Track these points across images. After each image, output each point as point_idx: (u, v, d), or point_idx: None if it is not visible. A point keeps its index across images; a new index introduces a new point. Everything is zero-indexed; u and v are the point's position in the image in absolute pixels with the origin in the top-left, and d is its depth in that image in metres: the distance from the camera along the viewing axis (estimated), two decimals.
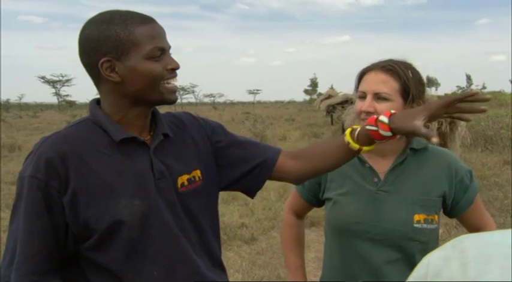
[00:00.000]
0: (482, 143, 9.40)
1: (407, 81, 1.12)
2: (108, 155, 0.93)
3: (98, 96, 1.01)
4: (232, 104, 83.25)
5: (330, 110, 16.39)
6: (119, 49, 0.90)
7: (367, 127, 0.98)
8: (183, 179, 1.00)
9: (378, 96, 1.12)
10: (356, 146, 1.01)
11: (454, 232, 4.49)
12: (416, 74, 1.15)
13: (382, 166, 1.21)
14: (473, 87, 30.74)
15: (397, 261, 1.17)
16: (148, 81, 0.93)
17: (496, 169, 7.38)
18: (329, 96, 18.25)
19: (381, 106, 1.11)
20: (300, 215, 1.43)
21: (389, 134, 0.95)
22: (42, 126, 19.25)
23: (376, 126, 0.96)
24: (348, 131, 1.02)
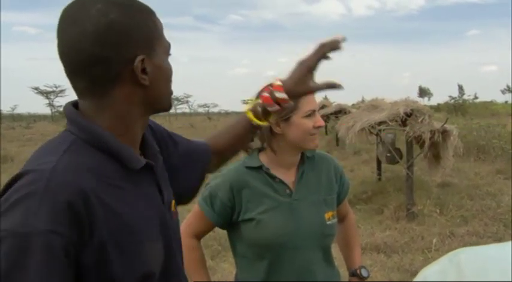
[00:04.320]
0: (475, 152, 9.47)
1: None
2: (121, 187, 0.72)
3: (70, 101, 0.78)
4: (227, 114, 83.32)
5: (324, 119, 16.38)
6: (149, 44, 0.73)
7: (270, 108, 0.99)
8: (173, 206, 0.87)
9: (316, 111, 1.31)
10: (264, 122, 1.03)
11: (448, 241, 4.50)
12: None
13: (288, 177, 1.35)
14: (465, 97, 31.08)
15: (319, 258, 1.34)
16: (168, 83, 0.79)
17: (488, 178, 7.43)
18: (323, 106, 18.30)
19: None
20: (200, 237, 1.42)
21: (288, 105, 1.00)
22: (36, 138, 19.12)
23: (279, 104, 0.98)
24: (250, 114, 1.02)
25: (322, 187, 1.37)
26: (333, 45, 0.92)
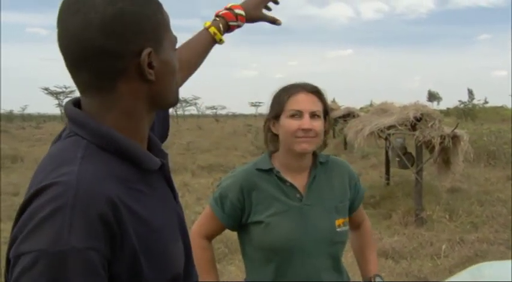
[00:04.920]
0: (485, 158, 9.36)
1: (326, 102, 1.33)
2: (141, 191, 0.69)
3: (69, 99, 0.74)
4: (234, 116, 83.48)
5: (332, 123, 16.36)
6: (157, 36, 0.69)
7: (231, 23, 1.14)
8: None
9: (313, 115, 1.26)
10: (222, 38, 1.14)
11: (458, 248, 4.44)
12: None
13: (300, 181, 1.33)
14: (475, 101, 30.79)
15: (328, 266, 1.31)
16: (174, 78, 0.75)
17: (499, 185, 7.33)
18: (331, 110, 18.27)
19: (316, 123, 1.26)
20: (212, 237, 1.42)
21: (243, 23, 1.16)
22: (45, 138, 19.28)
23: (237, 20, 1.14)
24: (213, 29, 1.12)
25: (335, 193, 1.35)
26: None
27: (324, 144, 1.38)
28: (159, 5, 0.72)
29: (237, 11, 1.14)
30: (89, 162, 0.64)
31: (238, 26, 1.16)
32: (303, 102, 1.27)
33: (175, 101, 0.78)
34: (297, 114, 1.26)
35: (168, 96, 0.75)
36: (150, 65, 0.68)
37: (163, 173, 0.78)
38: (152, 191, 0.72)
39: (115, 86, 0.67)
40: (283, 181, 1.31)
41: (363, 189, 1.46)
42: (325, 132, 1.35)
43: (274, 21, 1.20)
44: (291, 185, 1.31)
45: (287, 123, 1.26)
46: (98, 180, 0.62)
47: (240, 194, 1.30)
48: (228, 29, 1.15)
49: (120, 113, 0.69)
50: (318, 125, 1.26)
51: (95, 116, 0.69)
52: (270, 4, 1.21)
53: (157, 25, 0.70)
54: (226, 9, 1.15)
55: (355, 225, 1.48)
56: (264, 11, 1.20)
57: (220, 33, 1.12)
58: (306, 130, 1.24)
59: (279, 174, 1.31)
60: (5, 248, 0.59)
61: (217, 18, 1.14)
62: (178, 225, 0.78)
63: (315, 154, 1.36)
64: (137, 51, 0.66)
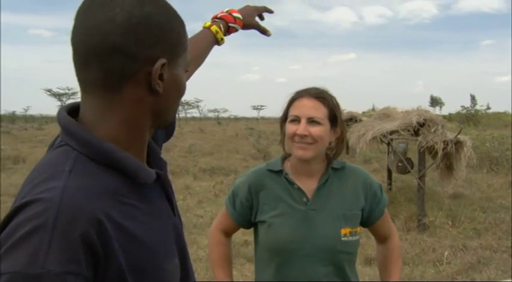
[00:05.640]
0: (488, 164, 9.33)
1: (334, 107, 1.29)
2: (134, 205, 0.65)
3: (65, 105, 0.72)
4: (236, 119, 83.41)
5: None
6: (174, 50, 0.68)
7: (231, 24, 1.17)
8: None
9: (311, 121, 1.25)
10: (223, 37, 1.16)
11: (460, 254, 4.41)
12: (338, 102, 1.32)
13: (308, 185, 1.31)
14: (477, 107, 30.75)
15: (330, 273, 1.28)
16: (179, 97, 0.73)
17: (501, 191, 7.29)
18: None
19: (314, 129, 1.24)
20: (229, 234, 1.45)
21: (240, 27, 1.20)
22: (47, 139, 19.31)
23: (235, 23, 1.17)
24: (214, 28, 1.15)
25: (345, 201, 1.31)
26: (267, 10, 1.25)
27: (338, 151, 1.35)
28: (183, 24, 0.71)
29: (235, 14, 1.17)
30: (77, 176, 0.60)
31: (236, 30, 1.19)
32: (302, 107, 1.27)
33: (171, 121, 0.76)
34: (296, 120, 1.26)
35: (169, 113, 0.73)
36: (160, 77, 0.66)
37: (161, 183, 0.74)
38: (147, 204, 0.68)
39: (120, 89, 0.64)
40: (291, 183, 1.31)
41: (385, 200, 1.38)
42: (339, 139, 1.32)
43: (265, 32, 1.25)
44: (299, 188, 1.31)
45: (287, 128, 1.28)
46: (82, 197, 0.58)
47: (248, 193, 1.32)
48: (227, 30, 1.18)
49: (120, 120, 0.66)
50: (316, 130, 1.24)
51: (92, 122, 0.66)
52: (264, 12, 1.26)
53: (177, 40, 0.68)
54: (225, 12, 1.18)
55: (381, 239, 1.44)
56: (258, 20, 1.24)
57: (221, 32, 1.14)
58: (302, 136, 1.24)
59: (288, 176, 1.32)
60: None
61: (217, 20, 1.17)
62: (175, 239, 0.74)
63: (328, 159, 1.34)
64: (152, 58, 0.64)
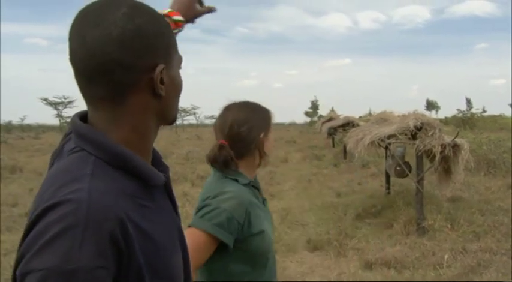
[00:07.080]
0: (485, 167, 9.35)
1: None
2: (147, 206, 0.70)
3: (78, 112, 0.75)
4: None
5: (332, 132, 16.38)
6: (168, 54, 0.73)
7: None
8: None
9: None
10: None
11: (460, 257, 4.40)
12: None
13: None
14: (473, 110, 30.86)
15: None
16: (178, 96, 0.79)
17: (499, 193, 7.31)
18: (330, 119, 18.29)
19: None
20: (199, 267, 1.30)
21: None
22: (44, 148, 19.24)
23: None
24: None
25: None
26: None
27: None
28: (169, 25, 0.77)
29: (175, 17, 1.07)
30: (99, 179, 0.64)
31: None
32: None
33: (174, 119, 0.80)
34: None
35: (173, 111, 0.78)
36: (161, 81, 0.70)
37: (166, 186, 0.79)
38: (156, 205, 0.72)
39: (126, 99, 0.69)
40: (258, 189, 1.45)
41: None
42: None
43: (210, 10, 1.15)
44: (258, 191, 1.45)
45: (269, 141, 1.51)
46: (108, 197, 0.62)
47: (245, 214, 1.30)
48: None
49: (130, 128, 0.70)
50: None
51: (103, 130, 0.69)
52: None
53: (168, 43, 0.73)
54: (166, 16, 1.11)
55: None
56: (197, 6, 1.14)
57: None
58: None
59: (255, 183, 1.44)
60: (5, 260, 0.57)
61: None
62: (178, 237, 0.79)
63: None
64: (151, 66, 0.69)
